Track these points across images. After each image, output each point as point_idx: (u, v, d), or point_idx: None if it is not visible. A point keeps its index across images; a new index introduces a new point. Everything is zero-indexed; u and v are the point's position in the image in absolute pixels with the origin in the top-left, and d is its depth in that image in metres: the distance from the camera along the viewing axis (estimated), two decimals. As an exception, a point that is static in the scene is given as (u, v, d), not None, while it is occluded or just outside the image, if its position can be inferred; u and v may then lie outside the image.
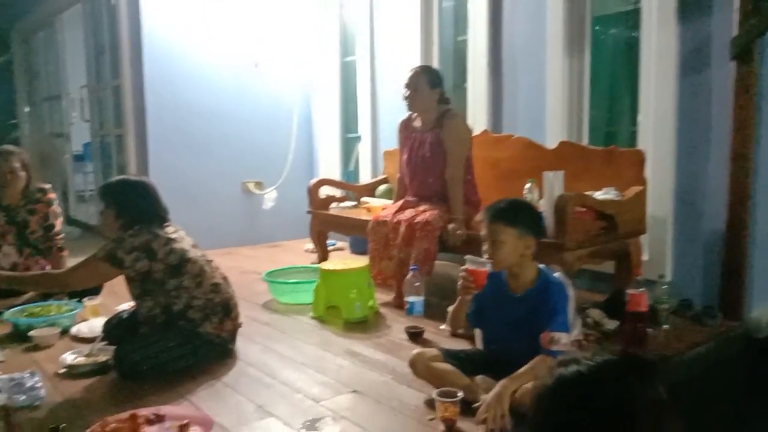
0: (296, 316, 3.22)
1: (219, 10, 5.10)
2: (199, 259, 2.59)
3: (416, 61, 4.48)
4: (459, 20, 4.33)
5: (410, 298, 2.91)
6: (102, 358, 2.47)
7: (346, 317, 3.03)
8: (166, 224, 2.61)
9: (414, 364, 2.14)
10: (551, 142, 3.58)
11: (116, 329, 2.70)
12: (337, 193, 4.79)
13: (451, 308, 2.36)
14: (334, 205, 4.36)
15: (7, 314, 2.90)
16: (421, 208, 3.31)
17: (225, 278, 2.68)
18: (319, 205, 4.30)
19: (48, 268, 3.47)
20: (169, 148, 5.00)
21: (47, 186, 3.55)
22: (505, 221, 2.00)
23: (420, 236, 3.16)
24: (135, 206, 2.56)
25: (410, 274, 2.92)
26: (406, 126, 3.54)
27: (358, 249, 4.85)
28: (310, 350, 2.69)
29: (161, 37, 4.89)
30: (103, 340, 2.68)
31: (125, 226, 2.53)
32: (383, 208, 3.74)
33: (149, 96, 4.89)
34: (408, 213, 3.30)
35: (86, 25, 6.19)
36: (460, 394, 1.88)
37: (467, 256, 2.09)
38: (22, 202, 3.40)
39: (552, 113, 3.66)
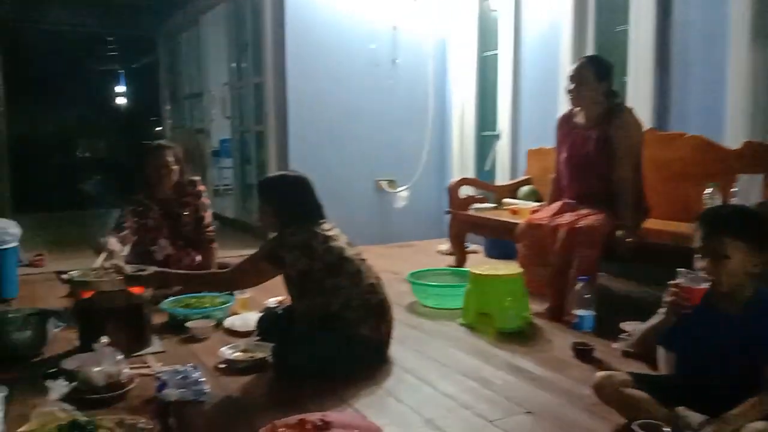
0: (443, 321, 3.06)
1: (358, 7, 5.06)
2: (355, 258, 2.49)
3: (567, 56, 4.20)
4: (618, 8, 3.99)
5: (579, 312, 2.65)
6: (259, 354, 2.43)
7: (499, 326, 2.82)
8: (322, 221, 2.53)
9: (601, 387, 1.90)
10: (732, 142, 3.18)
11: (271, 326, 2.66)
12: (474, 193, 4.59)
13: (631, 326, 2.11)
14: (475, 205, 4.17)
15: (165, 304, 2.96)
16: (583, 211, 3.04)
17: (378, 278, 2.57)
18: (459, 205, 4.13)
19: (198, 259, 3.54)
20: (308, 144, 5.02)
21: (197, 178, 3.62)
22: (732, 232, 1.71)
23: (582, 243, 2.89)
24: (294, 203, 2.51)
25: (579, 285, 2.67)
26: (566, 122, 3.27)
27: (494, 252, 4.64)
28: (466, 360, 2.52)
29: (304, 33, 4.92)
30: (258, 335, 2.66)
31: (284, 223, 2.48)
32: (533, 211, 3.49)
33: (291, 92, 4.93)
34: (567, 217, 3.04)
35: (229, 23, 6.40)
36: (668, 429, 1.63)
37: (681, 270, 1.82)
38: (174, 196, 3.49)
39: (733, 110, 3.25)
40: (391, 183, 5.38)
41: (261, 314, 2.77)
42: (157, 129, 9.09)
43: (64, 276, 2.51)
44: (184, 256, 3.52)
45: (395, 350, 2.56)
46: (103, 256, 2.77)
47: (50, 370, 2.27)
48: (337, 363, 2.32)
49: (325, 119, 5.07)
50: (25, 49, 9.75)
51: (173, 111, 8.83)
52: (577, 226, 2.93)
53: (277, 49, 5.03)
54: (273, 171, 5.22)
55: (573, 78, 3.10)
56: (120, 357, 2.19)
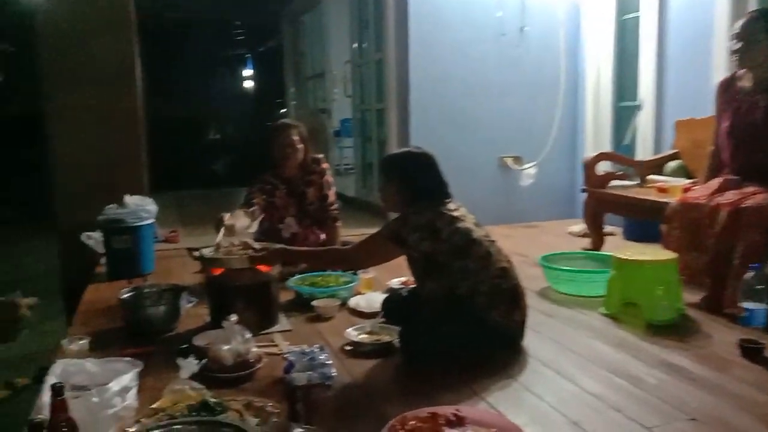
0: (582, 309, 2.80)
1: (484, -27, 4.80)
2: (483, 240, 2.31)
3: (724, 13, 3.70)
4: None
5: (748, 305, 2.30)
6: (385, 337, 2.33)
7: (649, 318, 2.53)
8: (447, 200, 2.37)
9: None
10: None
11: (396, 308, 2.56)
12: (613, 169, 4.22)
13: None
14: (613, 183, 3.81)
15: (291, 282, 2.94)
16: (748, 189, 2.65)
17: (510, 262, 2.37)
18: (596, 182, 3.79)
19: (323, 237, 3.52)
20: (430, 121, 4.86)
21: (320, 156, 3.58)
22: None
23: (748, 225, 2.51)
24: (418, 181, 2.36)
25: (749, 273, 2.31)
26: (727, 87, 2.86)
27: (633, 235, 4.26)
28: (612, 354, 2.26)
29: (426, 6, 4.74)
30: (383, 317, 2.57)
31: (407, 202, 2.34)
32: (685, 189, 3.11)
33: (413, 68, 4.78)
34: (730, 195, 2.65)
35: (351, 1, 6.35)
36: None
37: None
38: (300, 174, 3.46)
39: None
40: (517, 160, 5.10)
41: (385, 295, 2.67)
42: (282, 110, 9.34)
43: (195, 253, 2.53)
44: (309, 234, 3.50)
45: (529, 340, 2.35)
46: (222, 231, 2.78)
47: (182, 346, 2.31)
48: (466, 349, 2.16)
49: (447, 94, 4.88)
50: (161, 37, 10.40)
51: (297, 92, 9.01)
52: (743, 206, 2.55)
53: (399, 23, 4.89)
54: (395, 148, 5.12)
55: (739, 36, 2.69)
56: (248, 335, 2.17)
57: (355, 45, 6.35)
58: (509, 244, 4.21)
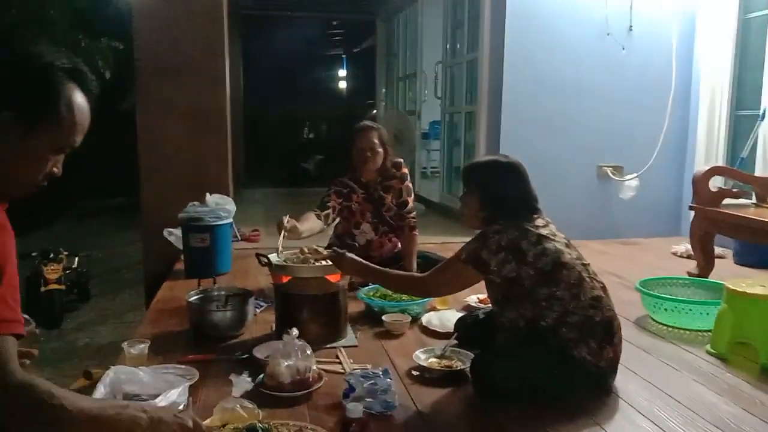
0: (685, 345, 2.47)
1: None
2: (575, 263, 2.05)
3: None
4: None
5: None
6: (457, 364, 2.12)
7: (765, 362, 2.17)
8: (535, 216, 2.12)
9: None
10: None
11: (471, 330, 2.35)
12: (728, 186, 3.78)
13: None
14: (727, 201, 3.40)
15: (362, 292, 2.80)
16: None
17: (605, 289, 2.09)
18: (707, 200, 3.39)
19: (399, 246, 3.35)
20: (523, 125, 4.59)
21: (400, 160, 3.40)
22: None
23: None
24: (504, 194, 2.13)
25: None
26: None
27: (746, 260, 3.84)
28: (719, 405, 1.94)
29: (525, 3, 4.47)
30: (456, 339, 2.36)
31: (489, 218, 2.12)
32: (817, 212, 2.69)
33: (508, 68, 4.53)
34: None
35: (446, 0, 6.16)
36: None
37: None
38: (378, 179, 3.31)
39: None
40: (617, 169, 4.72)
41: (460, 316, 2.46)
42: (372, 111, 9.28)
43: (263, 258, 2.42)
44: (385, 241, 3.36)
45: (621, 380, 2.07)
46: (282, 235, 2.67)
47: (243, 356, 2.22)
48: (547, 386, 1.92)
49: (543, 96, 4.59)
50: (260, 36, 10.64)
51: (387, 93, 8.91)
52: None
53: (495, 21, 4.66)
54: (482, 154, 4.88)
55: None
56: (309, 352, 2.03)
57: (448, 45, 6.15)
58: (604, 262, 3.90)
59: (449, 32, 6.11)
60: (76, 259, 5.59)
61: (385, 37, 8.93)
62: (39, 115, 1.12)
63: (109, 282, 6.18)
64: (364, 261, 2.35)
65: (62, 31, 8.36)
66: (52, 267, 4.99)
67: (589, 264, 2.12)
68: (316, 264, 2.40)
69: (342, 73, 14.66)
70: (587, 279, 2.04)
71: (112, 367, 1.85)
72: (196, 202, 3.59)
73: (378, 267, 2.34)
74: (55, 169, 1.19)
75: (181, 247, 3.61)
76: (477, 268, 2.05)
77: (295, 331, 2.04)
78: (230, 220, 3.57)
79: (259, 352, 2.18)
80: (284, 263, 2.40)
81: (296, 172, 11.56)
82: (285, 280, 2.40)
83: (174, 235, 3.75)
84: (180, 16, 4.00)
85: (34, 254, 5.15)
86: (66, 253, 5.32)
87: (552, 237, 2.07)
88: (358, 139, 3.24)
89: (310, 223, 2.99)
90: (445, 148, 6.37)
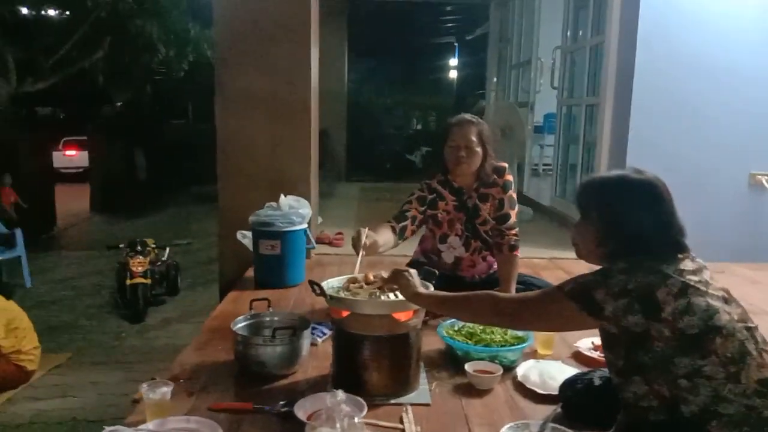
0: None
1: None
2: (736, 327, 1.41)
3: None
4: None
5: None
6: (558, 452, 1.56)
7: None
8: (681, 255, 1.50)
9: None
10: None
11: (581, 400, 1.76)
12: None
13: None
14: None
15: (442, 328, 2.27)
16: None
17: (779, 366, 1.44)
18: None
19: (494, 266, 2.79)
20: (656, 122, 3.84)
21: (504, 165, 2.81)
22: None
23: None
24: (634, 224, 1.52)
25: None
26: None
27: None
28: None
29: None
30: (561, 407, 1.78)
31: (611, 255, 1.53)
32: None
33: (641, 54, 3.80)
34: None
35: (568, -22, 5.43)
36: None
37: None
38: (474, 184, 2.75)
39: None
40: (776, 179, 3.85)
41: (567, 379, 1.87)
42: (481, 102, 8.64)
43: (316, 287, 1.97)
44: (478, 260, 2.81)
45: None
46: (361, 254, 2.20)
47: (284, 408, 1.79)
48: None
49: (683, 87, 3.83)
50: (368, 21, 10.27)
51: (498, 83, 8.24)
52: None
53: (626, -1, 3.92)
54: (605, 153, 4.18)
55: None
56: (358, 421, 1.55)
57: (569, 26, 5.42)
58: (757, 295, 3.11)
59: (571, 13, 5.40)
60: (167, 251, 5.50)
61: (499, 22, 8.25)
62: None
63: (201, 275, 6.08)
64: (429, 293, 1.84)
65: (173, 20, 8.44)
66: (138, 260, 4.89)
67: (756, 328, 1.47)
68: (383, 297, 1.91)
69: (453, 61, 14.05)
70: (754, 352, 1.40)
71: (105, 429, 1.47)
72: (273, 203, 3.24)
73: (437, 292, 1.83)
74: None
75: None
76: (584, 308, 1.47)
77: (341, 394, 1.57)
78: (305, 225, 3.18)
79: (302, 408, 1.74)
80: (340, 295, 1.93)
81: (401, 164, 11.19)
82: (344, 314, 1.93)
83: (248, 239, 3.41)
84: (266, 3, 3.64)
85: (122, 246, 5.09)
86: (154, 245, 5.23)
87: (703, 288, 1.44)
88: (452, 135, 2.70)
89: (385, 237, 2.50)
90: (560, 144, 5.66)
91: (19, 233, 5.55)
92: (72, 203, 9.74)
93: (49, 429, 3.23)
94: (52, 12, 8.60)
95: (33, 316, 3.95)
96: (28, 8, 8.68)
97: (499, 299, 1.69)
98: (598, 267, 1.55)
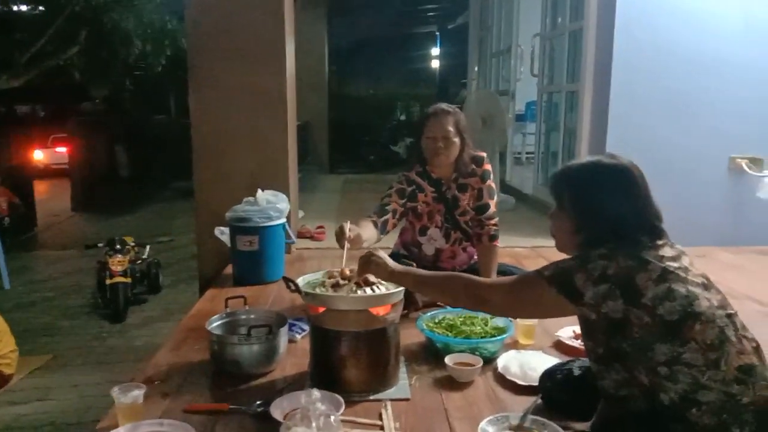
0: None
1: None
2: (716, 314, 1.39)
3: None
4: None
5: None
6: (537, 444, 1.54)
7: None
8: (660, 241, 1.48)
9: None
10: None
11: (561, 390, 1.74)
12: None
13: None
14: None
15: (422, 322, 2.24)
16: None
17: (758, 349, 1.43)
18: None
19: (475, 257, 2.77)
20: (636, 107, 3.83)
21: (482, 154, 2.77)
22: None
23: None
24: (609, 210, 1.49)
25: None
26: None
27: None
28: None
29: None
30: (540, 398, 1.76)
31: (589, 242, 1.50)
32: None
33: (619, 39, 3.78)
34: None
35: (546, -37, 5.39)
36: None
37: None
38: (453, 175, 2.72)
39: None
40: (756, 162, 3.87)
41: (546, 369, 1.85)
42: (462, 92, 8.61)
43: (291, 284, 1.93)
44: (459, 251, 2.78)
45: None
46: (346, 248, 2.16)
47: (259, 408, 1.75)
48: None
49: (664, 72, 3.81)
50: (347, 15, 10.18)
51: (480, 72, 8.20)
52: None
53: (603, -19, 3.89)
54: (585, 139, 4.16)
55: None
56: (334, 420, 1.52)
57: (548, 12, 5.39)
58: (737, 279, 3.10)
59: (550, 1, 5.35)
60: (147, 248, 5.42)
61: (479, 9, 8.20)
62: None
63: (183, 271, 6.01)
64: (408, 269, 1.80)
65: (149, 13, 8.30)
66: (117, 258, 4.81)
67: (736, 314, 1.45)
68: (359, 292, 1.87)
69: (435, 51, 13.98)
70: (733, 338, 1.38)
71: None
72: (251, 198, 3.19)
73: (414, 268, 1.80)
74: None
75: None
76: (564, 294, 1.44)
77: (316, 392, 1.53)
78: (283, 220, 3.12)
79: (279, 408, 1.70)
80: (314, 291, 1.89)
81: (385, 155, 11.13)
82: (320, 311, 1.89)
83: (225, 235, 3.36)
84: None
85: (100, 245, 5.01)
86: (134, 243, 5.15)
87: (683, 274, 1.42)
88: (429, 126, 2.66)
89: (368, 232, 2.46)
90: (542, 131, 5.64)
91: (-6, 234, 5.46)
92: (53, 202, 9.60)
93: (27, 433, 3.17)
94: (24, 7, 8.42)
95: (11, 318, 3.87)
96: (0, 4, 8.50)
97: (476, 283, 1.66)
98: (576, 255, 1.53)
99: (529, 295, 1.55)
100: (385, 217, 2.60)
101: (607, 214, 1.49)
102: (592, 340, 1.48)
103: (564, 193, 1.56)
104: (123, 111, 12.71)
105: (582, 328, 1.51)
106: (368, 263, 1.83)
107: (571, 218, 1.54)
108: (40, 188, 8.69)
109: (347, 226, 2.26)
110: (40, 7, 8.38)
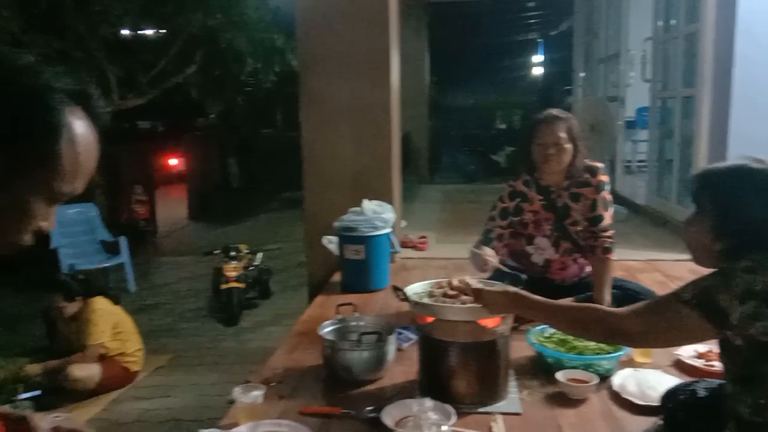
0: None
1: None
2: None
3: None
4: None
5: None
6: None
7: None
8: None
9: None
10: None
11: (684, 413, 1.65)
12: None
13: None
14: None
15: (531, 335, 2.20)
16: None
17: None
18: None
19: (588, 270, 2.68)
20: (760, 114, 3.56)
21: (599, 165, 2.69)
22: None
23: None
24: (755, 217, 1.40)
25: None
26: None
27: None
28: None
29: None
30: (662, 420, 1.68)
31: (729, 253, 1.40)
32: None
33: (740, 41, 3.55)
34: None
35: (658, -36, 5.16)
36: None
37: None
38: (564, 183, 2.65)
39: None
40: None
41: (669, 389, 1.76)
42: (568, 99, 8.37)
43: (400, 293, 1.96)
44: (569, 262, 2.70)
45: None
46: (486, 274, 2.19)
47: (371, 414, 1.79)
48: None
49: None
50: (448, 24, 10.21)
51: (586, 77, 7.95)
52: None
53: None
54: (703, 147, 3.93)
55: None
56: (447, 427, 1.53)
57: (661, 15, 5.15)
58: None
59: (662, 1, 5.11)
60: (259, 255, 5.67)
61: (585, 14, 7.96)
62: (30, 153, 0.76)
63: (292, 278, 6.23)
64: (527, 296, 1.74)
65: (259, 32, 8.69)
66: (232, 265, 5.07)
67: None
68: (468, 304, 1.87)
69: (537, 58, 13.70)
70: None
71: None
72: (357, 208, 3.28)
73: (542, 299, 1.69)
74: (44, 223, 0.82)
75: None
76: (707, 318, 1.35)
77: (428, 402, 1.55)
78: (388, 230, 3.18)
79: (390, 415, 1.73)
80: (424, 301, 1.91)
81: (486, 165, 11.02)
82: (429, 320, 1.91)
83: (333, 244, 3.46)
84: (344, 9, 3.68)
85: (216, 252, 5.31)
86: (247, 251, 5.41)
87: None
88: (539, 133, 2.61)
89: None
90: (656, 139, 5.38)
91: (123, 241, 5.90)
92: (171, 211, 10.27)
93: (151, 428, 3.40)
94: (149, 31, 9.09)
95: (136, 319, 4.19)
96: (128, 29, 9.20)
97: (610, 315, 1.55)
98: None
99: (668, 322, 1.43)
100: (492, 245, 2.59)
101: (752, 221, 1.39)
102: (732, 360, 1.39)
103: (704, 197, 1.48)
104: (234, 125, 13.39)
105: (721, 347, 1.42)
106: (480, 295, 1.78)
107: (711, 224, 1.45)
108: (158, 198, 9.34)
109: (486, 251, 2.32)
110: (162, 30, 9.02)
